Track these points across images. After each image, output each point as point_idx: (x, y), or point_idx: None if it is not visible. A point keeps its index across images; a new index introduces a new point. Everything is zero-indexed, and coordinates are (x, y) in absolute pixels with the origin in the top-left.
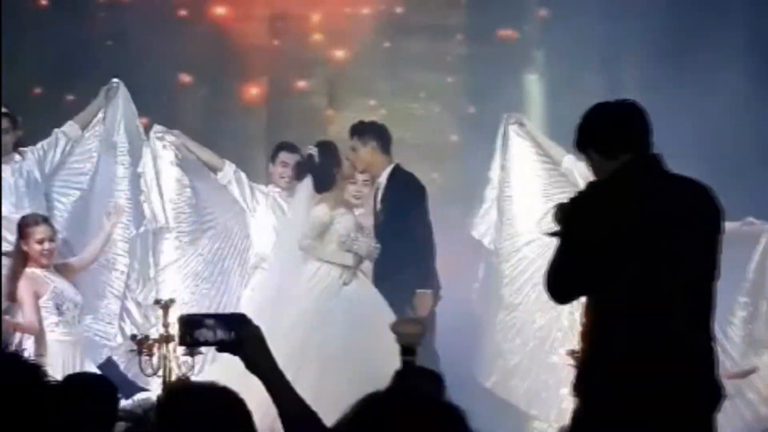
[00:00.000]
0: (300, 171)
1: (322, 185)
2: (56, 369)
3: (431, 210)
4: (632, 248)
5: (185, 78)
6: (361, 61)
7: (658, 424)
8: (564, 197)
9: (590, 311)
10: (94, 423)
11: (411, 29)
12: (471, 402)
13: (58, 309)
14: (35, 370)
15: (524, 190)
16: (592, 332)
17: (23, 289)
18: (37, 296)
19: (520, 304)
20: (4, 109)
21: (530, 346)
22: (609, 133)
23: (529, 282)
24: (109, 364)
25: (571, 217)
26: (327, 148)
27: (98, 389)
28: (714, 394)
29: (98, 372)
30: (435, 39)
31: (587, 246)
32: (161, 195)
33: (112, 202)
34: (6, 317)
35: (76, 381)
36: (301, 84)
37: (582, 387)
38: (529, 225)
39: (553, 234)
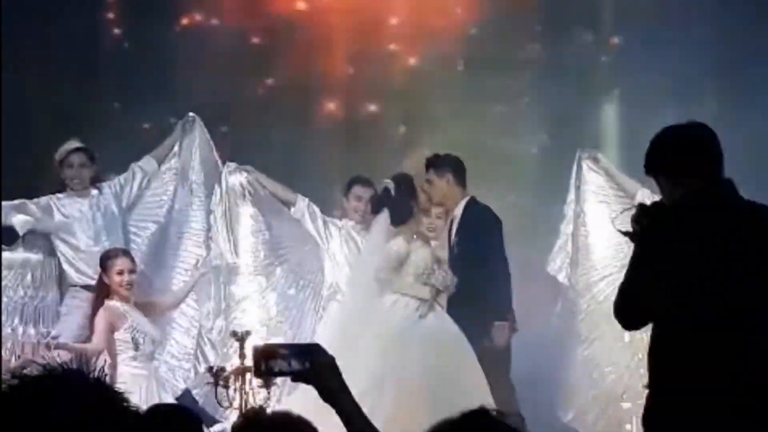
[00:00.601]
0: (376, 204)
1: (399, 218)
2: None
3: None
4: (697, 277)
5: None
6: (436, 93)
7: None
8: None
9: (655, 339)
10: None
11: (486, 60)
12: None
13: (135, 343)
14: (119, 396)
15: (599, 224)
16: (657, 361)
17: (98, 318)
18: (112, 327)
19: (596, 339)
20: (81, 144)
21: (607, 381)
22: (676, 158)
23: (606, 316)
24: (186, 398)
25: (640, 241)
26: (403, 181)
27: (183, 419)
28: None
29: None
30: (508, 69)
31: (654, 272)
32: (230, 232)
33: (199, 257)
34: (66, 342)
35: (162, 411)
36: (373, 108)
37: (649, 418)
38: (605, 260)
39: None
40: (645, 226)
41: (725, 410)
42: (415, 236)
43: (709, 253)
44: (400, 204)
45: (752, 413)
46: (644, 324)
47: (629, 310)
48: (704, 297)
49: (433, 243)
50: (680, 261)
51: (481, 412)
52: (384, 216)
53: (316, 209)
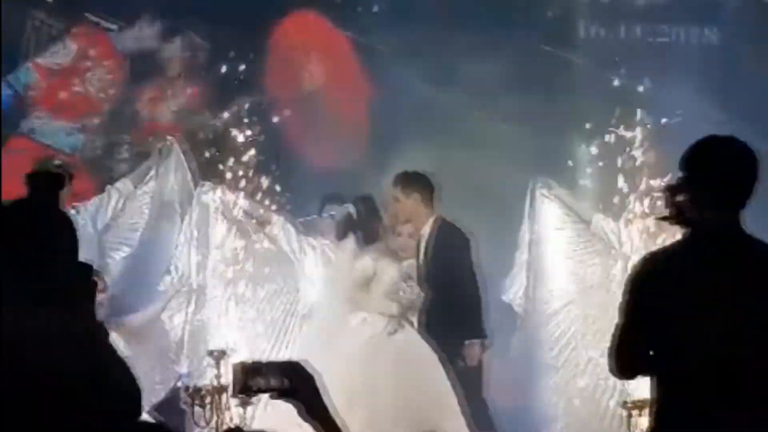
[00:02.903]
0: (341, 230)
1: (365, 240)
2: None
3: None
4: (701, 324)
5: None
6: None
7: None
8: (593, 259)
9: (658, 389)
10: None
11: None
12: None
13: None
14: None
15: (555, 252)
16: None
17: None
18: None
19: (560, 368)
20: (58, 163)
21: (575, 405)
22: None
23: (569, 345)
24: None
25: (638, 288)
26: (365, 203)
27: None
28: None
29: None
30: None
31: (655, 318)
32: (199, 253)
33: (176, 266)
34: None
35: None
36: None
37: None
38: (564, 287)
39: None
40: (682, 203)
41: None
42: (382, 254)
43: (717, 302)
44: (364, 226)
45: None
46: (643, 373)
47: (627, 358)
48: (707, 342)
49: (405, 262)
50: (681, 308)
51: None
52: (350, 239)
53: (291, 228)
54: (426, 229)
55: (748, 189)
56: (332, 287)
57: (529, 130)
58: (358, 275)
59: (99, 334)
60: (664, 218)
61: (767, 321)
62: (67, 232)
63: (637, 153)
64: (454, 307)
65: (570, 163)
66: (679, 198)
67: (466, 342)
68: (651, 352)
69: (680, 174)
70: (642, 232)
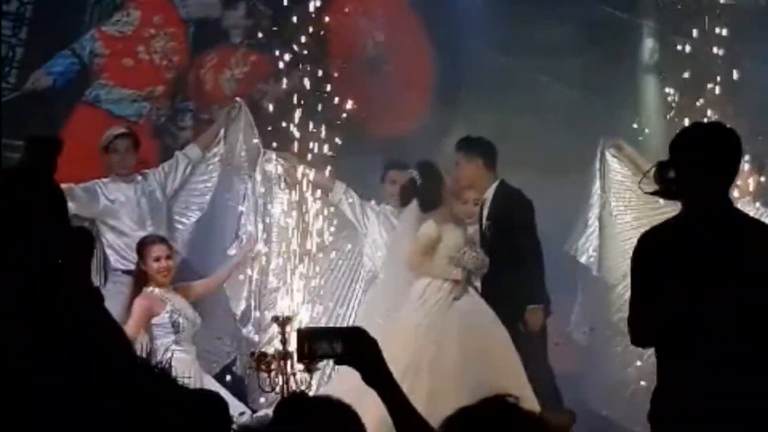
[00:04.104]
0: (404, 195)
1: (428, 205)
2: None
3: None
4: (704, 293)
5: None
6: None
7: None
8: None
9: (662, 349)
10: None
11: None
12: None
13: (175, 327)
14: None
15: (626, 213)
16: (664, 369)
17: (135, 305)
18: (150, 313)
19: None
20: (124, 130)
21: (646, 371)
22: (716, 163)
23: None
24: (232, 378)
25: (643, 258)
26: (427, 168)
27: (211, 406)
28: None
29: (216, 388)
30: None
31: (660, 290)
32: (263, 219)
33: (243, 232)
34: None
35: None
36: None
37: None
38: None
39: (655, 193)
40: (670, 180)
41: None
42: (445, 219)
43: (714, 270)
44: (427, 192)
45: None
46: (656, 340)
47: (642, 327)
48: (711, 313)
49: (469, 227)
50: (685, 278)
51: (497, 399)
52: (413, 205)
53: (354, 194)
54: (488, 194)
55: (731, 171)
56: (396, 253)
57: (593, 94)
58: (422, 240)
59: (89, 299)
60: (654, 192)
61: (756, 290)
62: (54, 201)
63: (709, 112)
64: (516, 273)
65: (635, 125)
66: (669, 175)
67: (529, 307)
68: (655, 322)
69: (670, 154)
70: None
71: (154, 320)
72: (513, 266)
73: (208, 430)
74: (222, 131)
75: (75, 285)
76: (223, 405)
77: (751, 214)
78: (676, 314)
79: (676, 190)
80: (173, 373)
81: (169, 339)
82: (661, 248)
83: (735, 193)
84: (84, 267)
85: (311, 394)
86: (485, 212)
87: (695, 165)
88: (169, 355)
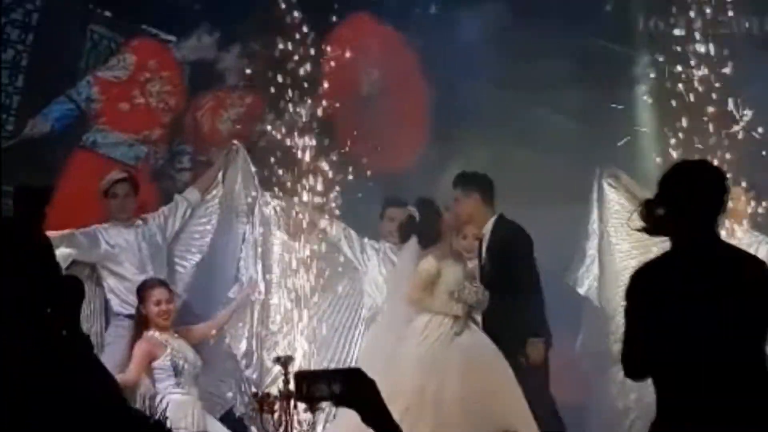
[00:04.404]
0: (403, 233)
1: (427, 242)
2: (178, 429)
3: None
4: (691, 324)
5: None
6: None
7: None
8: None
9: (657, 389)
10: None
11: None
12: None
13: (176, 369)
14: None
15: (624, 243)
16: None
17: (136, 348)
18: (151, 356)
19: None
20: (124, 175)
21: (646, 401)
22: (701, 201)
23: None
24: (235, 419)
25: (635, 293)
26: (426, 205)
27: None
28: None
29: (218, 429)
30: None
31: (653, 323)
32: (262, 261)
33: (243, 274)
34: None
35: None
36: None
37: None
38: None
39: (642, 230)
40: (658, 217)
41: None
42: (445, 255)
43: (703, 305)
44: (426, 228)
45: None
46: (650, 373)
47: (636, 360)
48: (702, 346)
49: (469, 263)
50: (675, 313)
51: None
52: (413, 241)
53: (353, 232)
54: (487, 229)
55: (717, 207)
56: (396, 290)
57: (590, 126)
58: (422, 276)
59: (77, 346)
60: (641, 229)
61: (746, 320)
62: (41, 250)
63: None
64: (516, 306)
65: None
66: (658, 211)
67: (530, 340)
68: (649, 355)
69: (657, 192)
70: None
71: (155, 363)
72: (513, 300)
73: None
74: (220, 174)
75: (66, 333)
76: None
77: (749, 241)
78: (667, 348)
79: (664, 226)
80: (168, 424)
81: (170, 382)
82: (652, 284)
83: (732, 221)
84: (74, 314)
85: None
86: (484, 247)
87: (682, 202)
88: (165, 404)
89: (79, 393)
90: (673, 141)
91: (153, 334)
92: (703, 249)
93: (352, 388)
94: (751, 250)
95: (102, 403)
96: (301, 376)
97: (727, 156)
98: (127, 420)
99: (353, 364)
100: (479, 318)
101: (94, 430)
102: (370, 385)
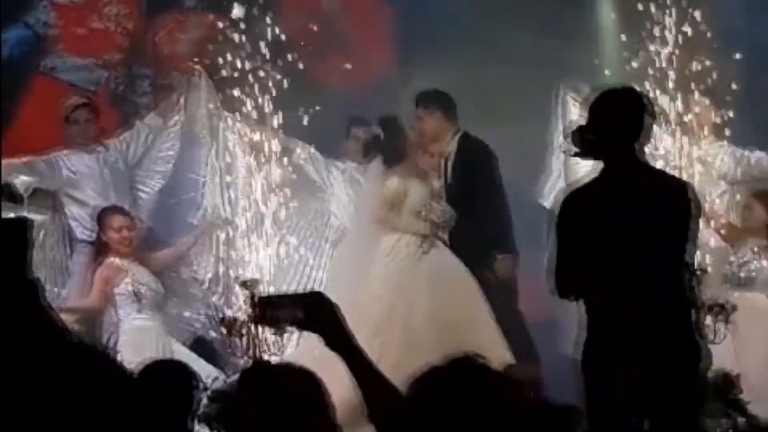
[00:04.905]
0: (367, 151)
1: (392, 160)
2: (142, 355)
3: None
4: (619, 244)
5: None
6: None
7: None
8: None
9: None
10: (171, 410)
11: None
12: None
13: (137, 296)
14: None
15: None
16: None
17: (96, 275)
18: (110, 283)
19: None
20: (84, 100)
21: None
22: (618, 127)
23: None
24: (205, 345)
25: (566, 217)
26: (390, 123)
27: (175, 376)
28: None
29: (185, 354)
30: None
31: (582, 245)
32: (226, 185)
33: (206, 200)
34: (68, 305)
35: (153, 369)
36: None
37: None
38: None
39: (575, 154)
40: (588, 142)
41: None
42: (410, 174)
43: (630, 224)
44: (390, 147)
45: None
46: (582, 293)
47: (568, 281)
48: (629, 267)
49: (434, 181)
50: (604, 234)
51: (465, 360)
52: (377, 160)
53: (317, 153)
54: (452, 147)
55: (638, 130)
56: (362, 210)
57: (553, 39)
58: (388, 195)
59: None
60: (575, 154)
61: (669, 236)
62: None
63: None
64: (482, 223)
65: (596, 61)
66: (588, 136)
67: (498, 256)
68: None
69: (588, 118)
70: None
71: (116, 290)
72: (479, 217)
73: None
74: (182, 99)
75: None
76: (179, 376)
77: (715, 149)
78: (596, 269)
79: (594, 150)
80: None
81: (132, 308)
82: (582, 208)
83: (698, 130)
84: (20, 260)
85: (285, 356)
86: (449, 165)
87: (609, 128)
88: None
89: (24, 346)
90: (636, 50)
91: (113, 260)
92: (629, 170)
93: (314, 312)
94: (717, 161)
95: (49, 355)
96: (264, 301)
97: (694, 66)
98: (79, 367)
99: (320, 287)
100: (446, 236)
101: (40, 383)
102: (331, 308)
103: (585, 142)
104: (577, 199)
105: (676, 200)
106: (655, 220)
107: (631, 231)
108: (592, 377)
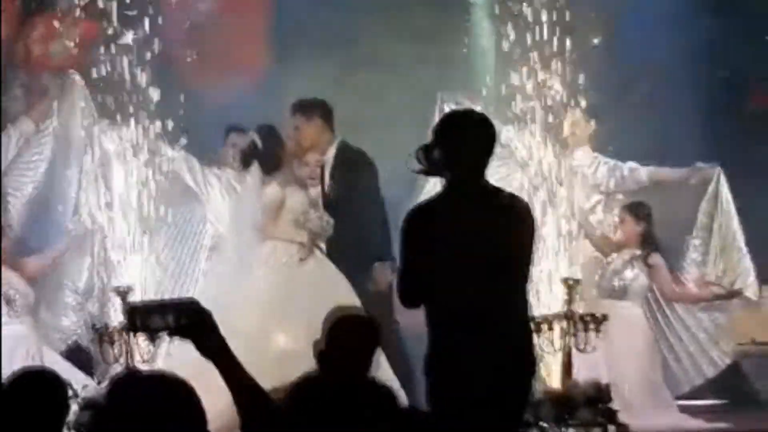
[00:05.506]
0: (245, 158)
1: (270, 168)
2: (14, 363)
3: None
4: (461, 259)
5: None
6: None
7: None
8: (505, 170)
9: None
10: (42, 420)
11: None
12: None
13: (7, 300)
14: None
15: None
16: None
17: None
18: None
19: None
20: None
21: None
22: (467, 148)
23: None
24: (81, 352)
25: (410, 234)
26: (268, 131)
27: (45, 386)
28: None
29: (56, 361)
30: None
31: (427, 259)
32: (102, 193)
33: (83, 206)
34: None
35: (22, 379)
36: None
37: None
38: None
39: (420, 171)
40: (433, 161)
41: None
42: (288, 182)
43: (471, 242)
44: (268, 154)
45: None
46: (423, 302)
47: (411, 292)
48: (466, 276)
49: (312, 189)
50: (446, 249)
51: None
52: (255, 168)
53: (195, 161)
54: (329, 155)
55: (483, 152)
56: (239, 217)
57: (431, 49)
58: (266, 203)
59: None
60: (420, 171)
61: (509, 254)
62: None
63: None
64: (360, 231)
65: (475, 71)
66: (433, 155)
67: (376, 265)
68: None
69: (432, 137)
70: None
71: None
72: (357, 225)
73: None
74: (55, 104)
75: None
76: (58, 385)
77: (590, 161)
78: (434, 282)
79: (438, 169)
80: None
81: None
82: (425, 225)
83: (573, 144)
84: None
85: (155, 365)
86: (327, 173)
87: (453, 149)
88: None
89: None
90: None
91: None
92: (472, 189)
93: (186, 318)
94: (591, 170)
95: None
96: (134, 308)
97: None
98: None
99: (196, 293)
100: (324, 245)
101: None
102: (205, 316)
103: (430, 160)
104: (420, 216)
105: (517, 221)
106: (495, 238)
107: (470, 248)
108: (433, 383)
